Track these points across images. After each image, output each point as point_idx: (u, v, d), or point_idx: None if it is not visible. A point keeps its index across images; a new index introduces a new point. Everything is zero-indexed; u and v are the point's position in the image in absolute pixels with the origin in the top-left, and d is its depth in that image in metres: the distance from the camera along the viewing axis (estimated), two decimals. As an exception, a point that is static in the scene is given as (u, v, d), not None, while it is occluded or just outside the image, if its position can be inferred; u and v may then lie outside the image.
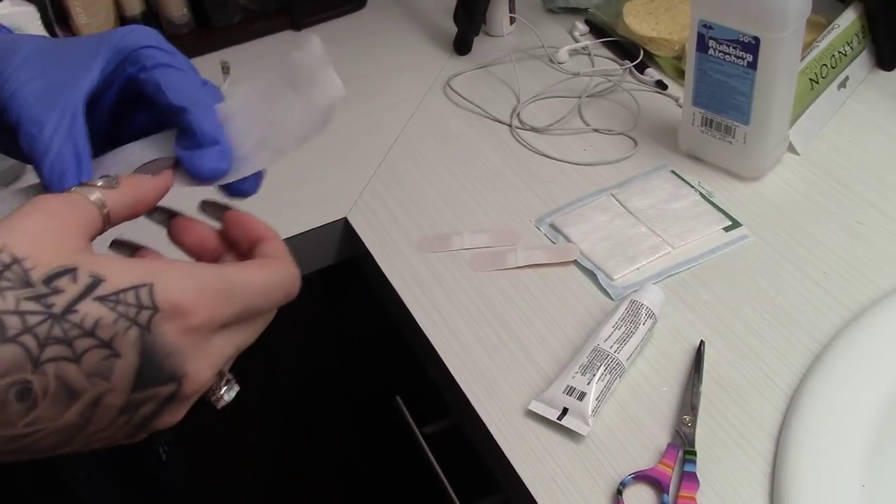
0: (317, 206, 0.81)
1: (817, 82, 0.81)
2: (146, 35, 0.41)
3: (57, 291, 0.31)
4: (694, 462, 0.56)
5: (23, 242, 0.32)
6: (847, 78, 0.85)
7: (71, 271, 0.32)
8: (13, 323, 0.30)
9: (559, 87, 0.91)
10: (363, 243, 0.77)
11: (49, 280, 0.31)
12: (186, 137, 0.41)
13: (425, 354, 0.69)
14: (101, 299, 0.32)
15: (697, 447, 0.58)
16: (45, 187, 0.38)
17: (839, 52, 0.84)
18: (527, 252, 0.73)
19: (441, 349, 0.67)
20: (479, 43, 0.98)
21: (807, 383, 0.60)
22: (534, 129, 0.86)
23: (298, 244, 0.79)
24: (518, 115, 0.88)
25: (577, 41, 0.97)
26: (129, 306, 0.32)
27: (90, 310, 0.31)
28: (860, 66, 0.86)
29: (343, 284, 0.85)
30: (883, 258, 0.69)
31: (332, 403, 0.94)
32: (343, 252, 0.82)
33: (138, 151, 0.42)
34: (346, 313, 0.89)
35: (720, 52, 0.72)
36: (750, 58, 0.70)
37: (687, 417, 0.59)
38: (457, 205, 0.79)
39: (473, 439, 0.65)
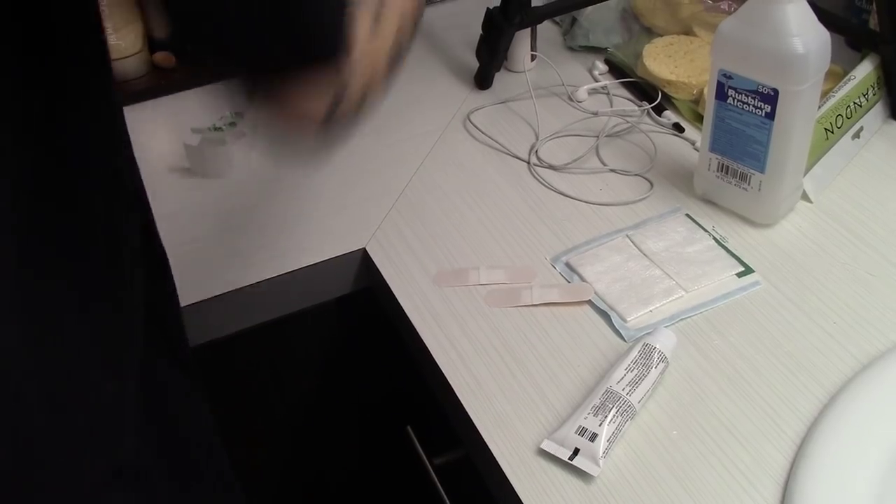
0: (337, 235, 0.82)
1: (832, 132, 0.83)
2: None
3: None
4: (702, 507, 0.57)
5: None
6: (861, 128, 0.86)
7: None
8: None
9: (577, 126, 0.93)
10: (381, 274, 0.78)
11: None
12: None
13: (438, 387, 0.70)
14: None
15: (707, 492, 0.59)
16: None
17: (855, 103, 0.85)
18: (542, 290, 0.74)
19: (455, 383, 0.68)
20: (500, 78, 1.00)
21: (815, 432, 0.61)
22: (551, 167, 0.88)
23: (317, 273, 0.81)
24: (536, 152, 0.90)
25: (596, 80, 0.99)
26: None
27: None
28: (875, 117, 0.88)
29: (359, 313, 0.87)
30: (893, 309, 0.70)
31: (342, 430, 0.95)
32: (360, 281, 0.83)
33: None
34: (361, 341, 0.90)
35: (739, 101, 0.73)
36: (768, 108, 0.72)
37: (696, 462, 0.60)
38: (474, 239, 0.80)
39: (483, 474, 0.66)
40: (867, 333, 0.68)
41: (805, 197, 0.80)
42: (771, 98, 0.71)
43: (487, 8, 0.97)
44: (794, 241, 0.77)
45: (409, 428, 0.82)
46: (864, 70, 0.87)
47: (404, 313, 0.74)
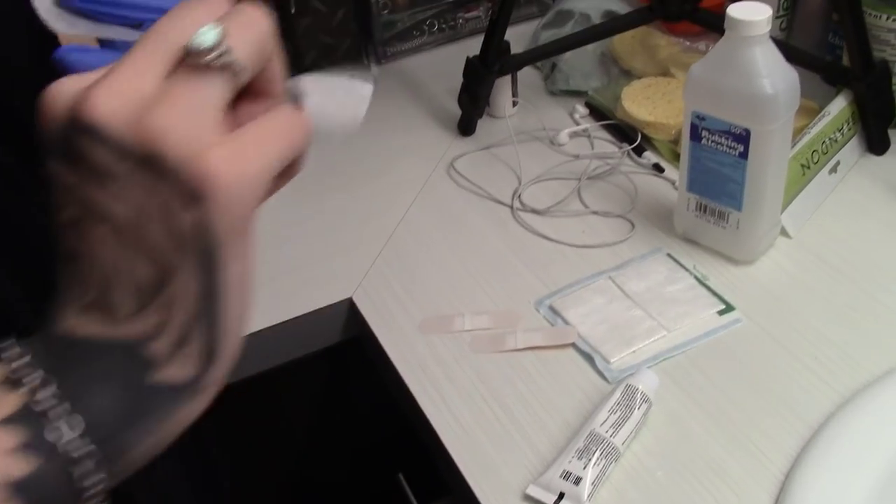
0: (324, 285, 0.83)
1: (808, 168, 0.84)
2: None
3: None
4: (687, 548, 0.58)
5: None
6: (838, 163, 0.87)
7: None
8: None
9: (559, 169, 0.94)
10: (367, 324, 0.79)
11: None
12: None
13: (425, 434, 0.71)
14: None
15: (691, 532, 0.59)
16: None
17: (830, 139, 0.86)
18: (526, 334, 0.75)
19: (440, 430, 0.68)
20: (483, 124, 1.02)
21: (798, 469, 0.61)
22: (534, 211, 0.89)
23: (305, 323, 0.82)
24: (519, 196, 0.91)
25: (577, 123, 1.00)
26: None
27: None
28: (851, 151, 0.89)
29: (348, 362, 0.87)
30: (873, 344, 0.71)
31: (334, 480, 0.96)
32: (348, 331, 0.84)
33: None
34: (350, 390, 0.90)
35: (713, 141, 0.75)
36: (741, 148, 0.73)
37: None
38: (459, 285, 0.81)
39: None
40: (848, 368, 0.69)
41: (784, 233, 0.81)
42: (743, 138, 0.73)
43: (468, 56, 0.99)
44: (774, 277, 0.78)
45: (400, 475, 0.83)
46: (839, 105, 0.88)
47: (390, 362, 0.75)
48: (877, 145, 0.90)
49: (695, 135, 0.76)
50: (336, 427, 0.92)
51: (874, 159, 0.90)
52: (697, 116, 0.75)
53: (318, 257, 0.87)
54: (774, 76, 0.70)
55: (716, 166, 0.76)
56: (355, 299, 0.82)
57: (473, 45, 1.01)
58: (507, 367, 0.72)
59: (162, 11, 0.39)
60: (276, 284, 0.84)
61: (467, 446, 0.67)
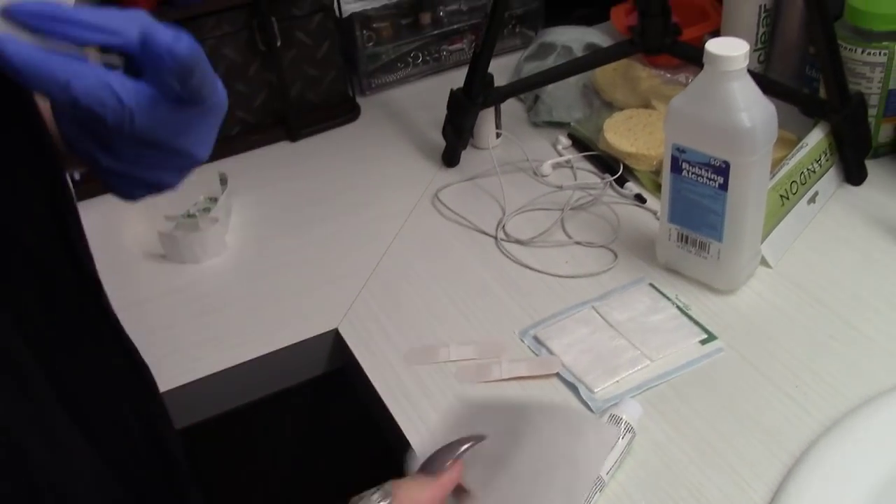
0: (310, 316, 0.83)
1: (787, 198, 0.86)
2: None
3: None
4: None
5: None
6: (816, 193, 0.89)
7: None
8: None
9: (543, 200, 0.95)
10: (353, 355, 0.79)
11: None
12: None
13: (413, 466, 0.71)
14: None
15: (675, 562, 0.59)
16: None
17: (808, 169, 0.88)
18: (510, 365, 0.75)
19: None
20: (467, 156, 1.03)
21: (780, 497, 0.62)
22: (518, 242, 0.90)
23: (291, 354, 0.82)
24: (503, 227, 0.92)
25: (560, 154, 1.02)
26: None
27: None
28: (829, 181, 0.91)
29: (334, 393, 0.88)
30: (852, 371, 0.72)
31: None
32: (334, 362, 0.85)
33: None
34: (336, 421, 0.91)
35: (693, 173, 0.76)
36: (721, 180, 0.74)
37: (665, 532, 0.61)
38: (444, 316, 0.82)
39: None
40: (829, 396, 0.70)
41: (764, 262, 0.82)
42: (723, 170, 0.74)
43: (452, 89, 1.00)
44: (755, 306, 0.79)
45: (386, 506, 0.82)
46: (816, 137, 0.90)
47: (376, 392, 0.75)
48: (854, 176, 0.92)
49: (675, 167, 0.77)
50: (321, 458, 0.93)
51: (852, 189, 0.91)
52: (678, 149, 0.76)
53: (303, 288, 0.87)
54: (752, 110, 0.72)
55: (696, 198, 0.77)
56: (341, 330, 0.82)
57: (457, 77, 1.02)
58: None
59: (108, 31, 0.41)
60: (263, 316, 0.85)
61: (453, 477, 0.67)
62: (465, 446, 0.56)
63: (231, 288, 0.89)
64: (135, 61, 0.43)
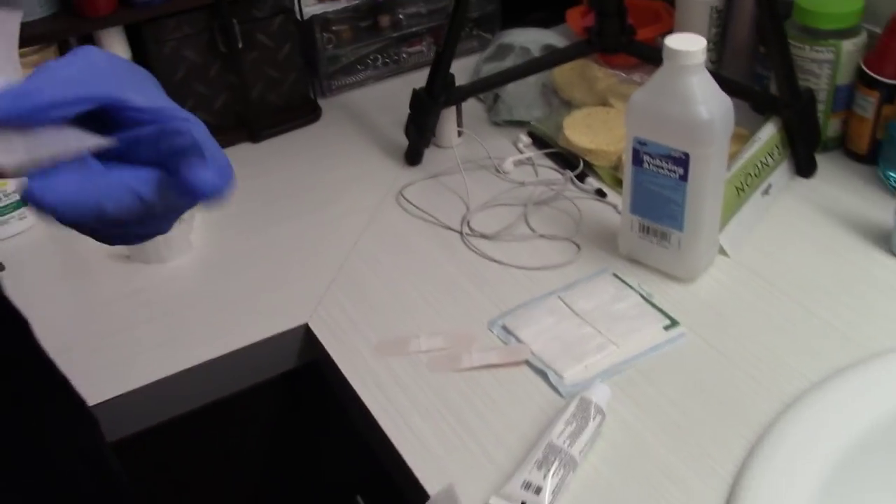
0: (279, 312, 0.84)
1: (743, 190, 0.89)
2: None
3: None
4: (645, 550, 0.60)
5: None
6: (770, 185, 0.92)
7: None
8: None
9: (505, 196, 0.97)
10: (324, 348, 0.80)
11: None
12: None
13: (386, 453, 0.72)
14: None
15: (648, 536, 0.61)
16: None
17: (761, 162, 0.91)
18: (481, 353, 0.77)
19: (401, 448, 0.70)
20: (430, 154, 1.04)
21: (746, 471, 0.64)
22: (483, 236, 0.91)
23: (261, 350, 0.82)
24: (468, 222, 0.93)
25: (521, 152, 1.04)
26: None
27: None
28: (781, 174, 0.94)
29: (305, 387, 0.88)
30: (808, 352, 0.75)
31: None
32: (304, 356, 0.85)
33: (78, 137, 0.42)
34: (308, 415, 0.91)
35: (654, 165, 0.78)
36: (681, 171, 0.77)
37: (637, 508, 0.63)
38: (413, 310, 0.83)
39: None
40: (788, 375, 0.73)
41: (722, 251, 0.85)
42: (683, 161, 0.76)
43: (414, 88, 1.01)
44: (715, 293, 0.82)
45: (358, 497, 0.83)
46: (768, 132, 0.93)
47: (349, 384, 0.76)
48: (805, 169, 0.95)
49: (637, 159, 0.80)
50: (292, 453, 0.93)
51: (803, 182, 0.95)
52: (639, 142, 0.79)
53: (270, 285, 0.88)
54: (710, 103, 0.74)
55: (657, 189, 0.79)
56: (311, 325, 0.83)
57: (416, 79, 1.04)
58: (465, 386, 0.74)
59: (81, 100, 0.40)
60: (232, 312, 0.85)
61: (428, 462, 0.68)
62: None
63: (198, 287, 0.89)
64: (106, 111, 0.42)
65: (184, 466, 0.87)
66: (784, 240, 0.88)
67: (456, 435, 0.70)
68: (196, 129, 0.43)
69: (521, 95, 1.08)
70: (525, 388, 0.74)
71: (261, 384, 0.85)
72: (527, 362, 0.76)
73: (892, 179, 0.91)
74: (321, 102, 1.16)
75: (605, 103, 1.06)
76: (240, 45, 1.06)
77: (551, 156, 1.02)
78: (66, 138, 0.41)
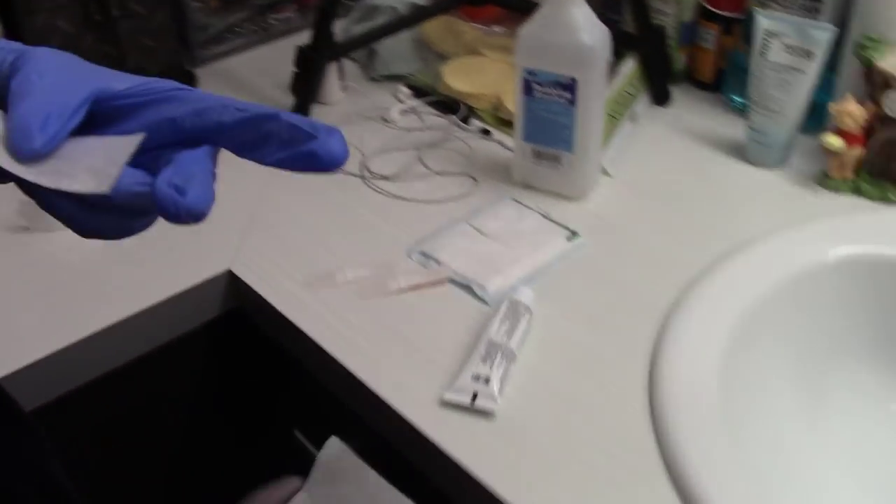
0: (198, 261, 0.86)
1: (615, 118, 0.98)
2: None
3: None
4: (588, 417, 0.68)
5: None
6: (636, 113, 1.03)
7: None
8: None
9: (398, 142, 1.03)
10: (254, 290, 0.83)
11: None
12: (279, 140, 0.41)
13: (333, 375, 0.77)
14: None
15: (585, 403, 0.69)
16: (9, 133, 0.39)
17: (626, 93, 1.01)
18: (406, 276, 0.83)
19: (350, 365, 0.74)
20: (316, 111, 1.08)
21: (659, 346, 0.74)
22: (384, 178, 0.97)
23: (182, 300, 0.84)
24: (367, 167, 0.99)
25: (403, 102, 1.10)
26: None
27: None
28: (643, 103, 1.05)
29: (229, 335, 0.91)
30: (691, 246, 0.85)
31: (226, 451, 0.98)
32: (228, 303, 0.88)
33: (124, 143, 0.40)
34: (234, 362, 0.94)
35: (544, 93, 0.87)
36: (569, 95, 0.85)
37: (574, 385, 0.71)
38: (332, 247, 0.88)
39: (392, 437, 0.73)
40: (678, 266, 0.82)
41: (605, 172, 0.95)
42: (570, 86, 0.85)
43: (298, 46, 1.05)
44: (603, 207, 0.91)
45: (295, 431, 0.87)
46: (629, 66, 1.04)
47: (286, 320, 0.80)
48: (661, 98, 1.06)
49: (527, 90, 0.88)
50: (223, 400, 0.95)
51: (662, 110, 1.06)
52: (528, 72, 0.86)
53: (185, 239, 0.89)
54: (592, 31, 0.83)
55: (548, 115, 0.88)
56: (234, 270, 0.86)
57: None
58: (397, 308, 0.80)
59: (70, 115, 0.39)
60: (145, 268, 0.86)
61: (378, 373, 0.74)
62: None
63: (103, 248, 0.89)
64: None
65: (115, 424, 0.87)
66: (654, 159, 0.98)
67: (399, 349, 0.76)
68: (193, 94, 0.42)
69: (397, 50, 1.14)
70: (453, 302, 0.80)
71: (184, 335, 0.87)
72: (451, 280, 0.82)
73: (736, 102, 1.04)
74: (198, 72, 1.18)
75: (475, 53, 1.14)
76: (114, 14, 1.06)
77: (433, 104, 1.09)
78: (102, 145, 0.40)
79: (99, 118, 0.41)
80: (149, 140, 0.41)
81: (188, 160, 0.40)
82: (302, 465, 0.87)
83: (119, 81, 0.42)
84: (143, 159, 0.40)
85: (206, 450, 0.96)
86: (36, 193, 0.41)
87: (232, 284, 0.87)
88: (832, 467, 0.75)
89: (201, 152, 0.41)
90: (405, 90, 1.12)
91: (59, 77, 0.40)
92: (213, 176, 0.42)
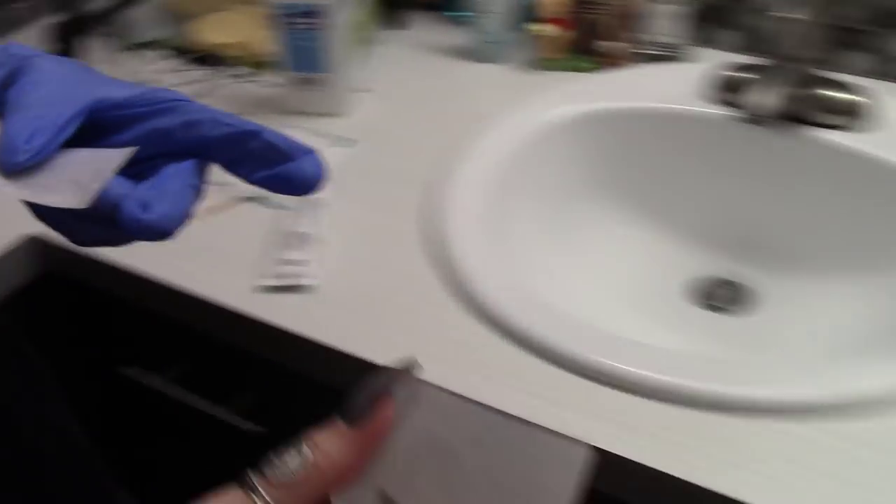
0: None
1: (360, 42, 1.11)
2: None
3: None
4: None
5: None
6: (379, 35, 1.16)
7: None
8: None
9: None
10: (65, 249, 0.87)
11: None
12: (260, 158, 0.42)
13: (156, 297, 0.83)
14: None
15: (384, 259, 0.82)
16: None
17: (367, 18, 1.14)
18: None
19: (168, 279, 0.82)
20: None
21: (432, 203, 0.87)
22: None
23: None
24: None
25: (162, 63, 1.16)
26: None
27: None
28: (388, 27, 1.18)
29: (39, 301, 0.94)
30: (451, 132, 0.98)
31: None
32: (34, 269, 0.91)
33: (113, 157, 0.39)
34: (47, 327, 0.97)
35: (299, 25, 0.97)
36: (321, 21, 0.96)
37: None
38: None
39: (219, 330, 0.81)
40: (446, 147, 0.96)
41: (365, 89, 1.07)
42: (321, 13, 0.96)
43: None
44: (368, 117, 1.04)
45: (121, 370, 0.93)
46: (363, -2, 1.16)
47: (107, 266, 0.85)
48: (398, 24, 1.20)
49: (285, 24, 0.98)
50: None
51: (400, 32, 1.20)
52: (282, 7, 0.97)
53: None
54: (329, -40, 0.95)
55: (307, 44, 0.98)
56: (40, 236, 0.90)
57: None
58: (201, 231, 0.88)
59: (61, 129, 0.39)
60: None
61: (195, 280, 0.82)
62: (390, 381, 0.44)
63: None
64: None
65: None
66: (403, 73, 1.12)
67: (209, 261, 0.84)
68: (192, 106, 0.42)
69: (144, 18, 1.20)
70: (253, 213, 0.90)
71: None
72: (244, 198, 0.91)
73: (458, 16, 1.20)
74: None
75: (219, 10, 1.22)
76: None
77: (193, 61, 1.16)
78: (91, 158, 0.39)
79: (99, 127, 0.41)
80: (143, 151, 0.41)
81: (168, 175, 0.40)
82: (142, 402, 0.93)
83: (120, 90, 0.42)
84: (140, 169, 0.40)
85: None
86: (30, 204, 0.41)
87: (34, 250, 0.90)
88: (579, 276, 0.93)
89: (186, 166, 0.41)
90: (163, 54, 1.18)
91: (55, 88, 0.40)
92: (196, 190, 0.41)
